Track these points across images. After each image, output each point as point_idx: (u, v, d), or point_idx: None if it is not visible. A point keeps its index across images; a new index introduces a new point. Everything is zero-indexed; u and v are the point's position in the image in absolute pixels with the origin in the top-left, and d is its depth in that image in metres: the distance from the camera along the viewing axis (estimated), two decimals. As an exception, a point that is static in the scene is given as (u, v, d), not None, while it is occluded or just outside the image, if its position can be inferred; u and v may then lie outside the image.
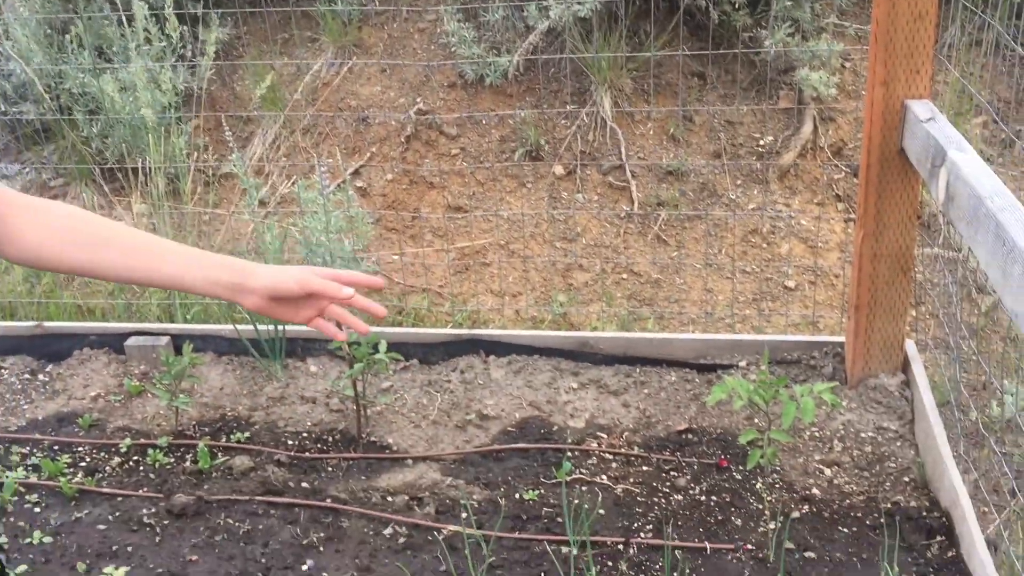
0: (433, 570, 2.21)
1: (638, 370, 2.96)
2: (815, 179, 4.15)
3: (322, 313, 1.38)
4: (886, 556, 2.15)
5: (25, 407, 2.96)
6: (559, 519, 2.34)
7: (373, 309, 1.39)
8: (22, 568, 2.25)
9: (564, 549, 2.25)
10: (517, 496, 2.45)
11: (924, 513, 2.28)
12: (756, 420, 2.70)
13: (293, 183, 4.29)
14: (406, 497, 2.46)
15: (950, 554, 2.15)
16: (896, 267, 2.63)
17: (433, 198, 4.21)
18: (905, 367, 2.75)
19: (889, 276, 2.64)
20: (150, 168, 3.97)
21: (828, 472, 2.47)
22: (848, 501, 2.36)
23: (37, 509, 2.49)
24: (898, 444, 2.55)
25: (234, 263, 1.33)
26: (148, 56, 4.15)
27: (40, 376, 3.09)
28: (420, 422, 2.79)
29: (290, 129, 4.46)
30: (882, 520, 2.27)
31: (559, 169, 4.24)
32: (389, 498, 2.47)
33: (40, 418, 2.90)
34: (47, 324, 3.22)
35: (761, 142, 4.23)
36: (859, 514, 2.31)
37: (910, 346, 2.77)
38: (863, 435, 2.59)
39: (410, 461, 2.63)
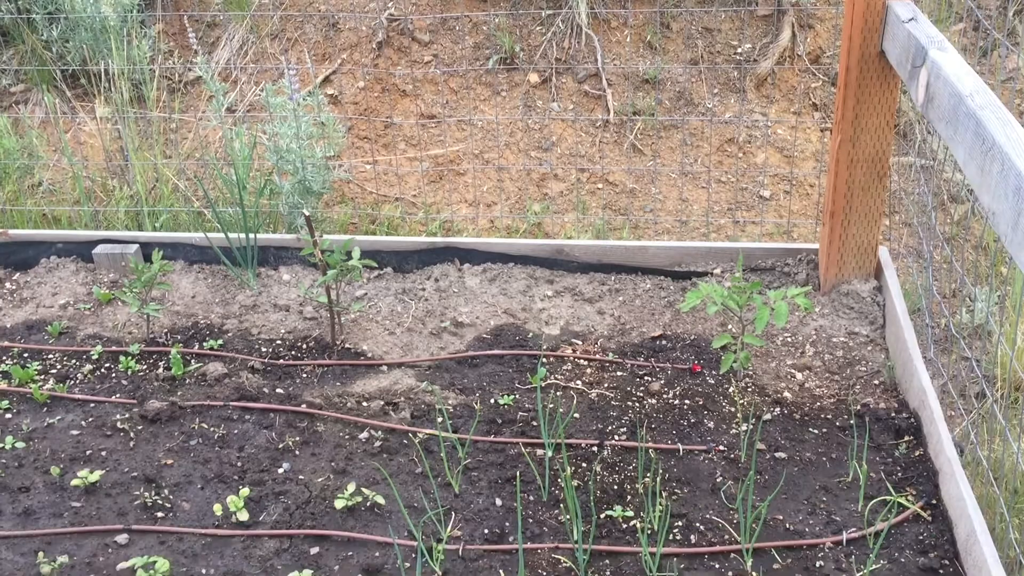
0: (409, 472, 2.23)
1: (613, 278, 2.96)
2: (792, 87, 4.11)
3: None
4: (855, 455, 2.19)
5: (-8, 315, 2.92)
6: (534, 423, 2.36)
7: None
8: (-5, 473, 2.24)
9: (539, 452, 2.27)
10: (492, 401, 2.46)
11: (893, 414, 2.32)
12: (730, 326, 2.71)
13: (261, 89, 4.18)
14: (381, 402, 2.46)
15: (917, 453, 2.20)
16: (872, 173, 2.62)
17: (406, 106, 4.13)
18: (878, 274, 2.76)
19: (865, 182, 2.63)
20: (113, 73, 3.86)
21: (800, 376, 2.50)
22: (819, 404, 2.39)
23: (8, 415, 2.47)
24: (869, 348, 2.58)
25: None
26: (107, -45, 3.99)
27: (7, 284, 3.04)
28: (394, 329, 2.78)
29: (257, 34, 4.33)
30: (852, 421, 2.31)
31: (534, 77, 4.17)
32: (364, 403, 2.47)
33: (8, 326, 2.86)
34: (12, 232, 3.16)
35: (739, 49, 4.17)
36: (829, 416, 2.35)
37: (883, 253, 2.78)
38: (835, 340, 2.62)
39: (385, 368, 2.63)
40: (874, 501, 2.07)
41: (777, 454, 2.23)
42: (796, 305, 2.65)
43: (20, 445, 2.35)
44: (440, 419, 2.38)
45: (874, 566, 1.90)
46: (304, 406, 2.45)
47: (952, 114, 1.85)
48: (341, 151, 3.76)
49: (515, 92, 4.15)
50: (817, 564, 1.92)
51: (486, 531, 2.05)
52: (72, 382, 2.59)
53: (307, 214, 2.58)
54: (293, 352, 2.71)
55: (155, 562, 1.95)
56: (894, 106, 2.55)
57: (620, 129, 4.03)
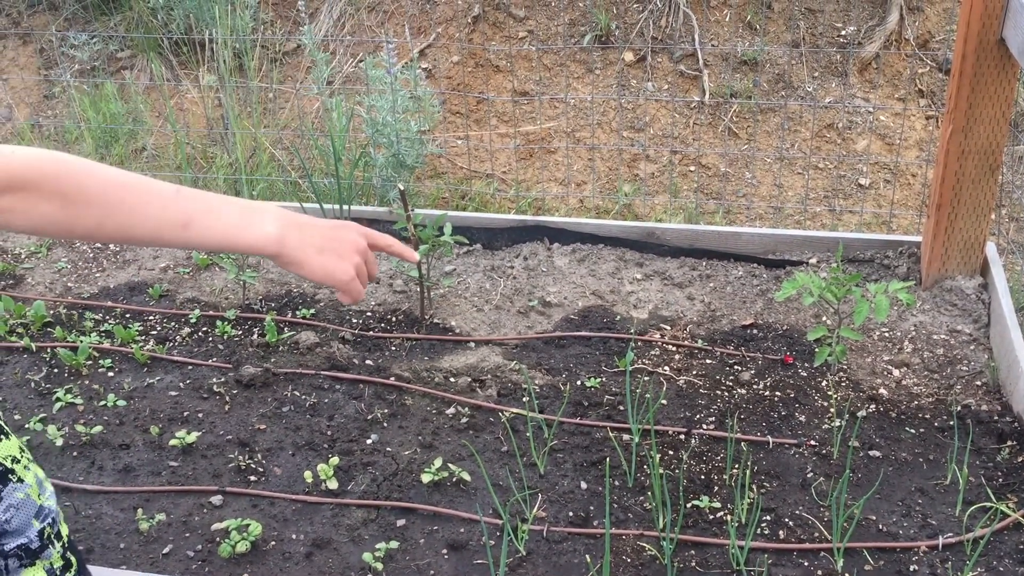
0: (495, 450, 2.24)
1: (704, 263, 2.91)
2: (898, 73, 3.97)
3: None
4: (954, 458, 2.13)
5: (97, 275, 3.02)
6: (620, 407, 2.35)
7: (408, 254, 1.39)
8: (98, 428, 2.32)
9: (625, 437, 2.26)
10: (579, 383, 2.45)
11: (995, 417, 2.24)
12: (824, 319, 2.65)
13: (359, 62, 4.22)
14: (468, 379, 2.47)
15: (1021, 459, 2.12)
16: (984, 165, 2.52)
17: (499, 82, 4.12)
18: (984, 270, 2.66)
19: (976, 174, 2.53)
20: (216, 42, 3.93)
21: (897, 373, 2.43)
22: (916, 402, 2.33)
23: (111, 374, 2.56)
24: (971, 348, 2.49)
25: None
26: (214, -75, 4.06)
27: (111, 246, 3.14)
28: (483, 306, 2.79)
29: (355, 6, 4.36)
30: (951, 423, 2.24)
31: (629, 55, 4.11)
32: (452, 379, 2.49)
33: (112, 286, 2.96)
34: (117, 195, 3.25)
35: (843, 32, 4.05)
36: (927, 416, 2.28)
37: (990, 248, 2.68)
38: (935, 337, 2.54)
39: (472, 344, 2.64)
40: (973, 507, 2.00)
41: (871, 452, 2.18)
42: (897, 300, 2.58)
43: (121, 403, 2.43)
44: (526, 399, 2.38)
45: (971, 573, 1.84)
46: (393, 379, 2.48)
47: (1080, 109, 1.76)
48: (434, 126, 3.78)
49: (609, 70, 4.10)
50: (911, 568, 1.87)
51: (571, 514, 2.05)
52: (171, 344, 2.67)
53: (402, 188, 2.60)
54: (383, 324, 2.74)
55: (248, 524, 2.00)
56: (1012, 97, 2.45)
57: (715, 111, 3.96)
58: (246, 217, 1.17)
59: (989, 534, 1.92)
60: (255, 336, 2.69)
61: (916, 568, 1.88)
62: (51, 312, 2.82)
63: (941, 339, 2.53)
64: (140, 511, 2.07)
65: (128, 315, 2.82)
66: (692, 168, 3.88)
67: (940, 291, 2.66)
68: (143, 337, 2.71)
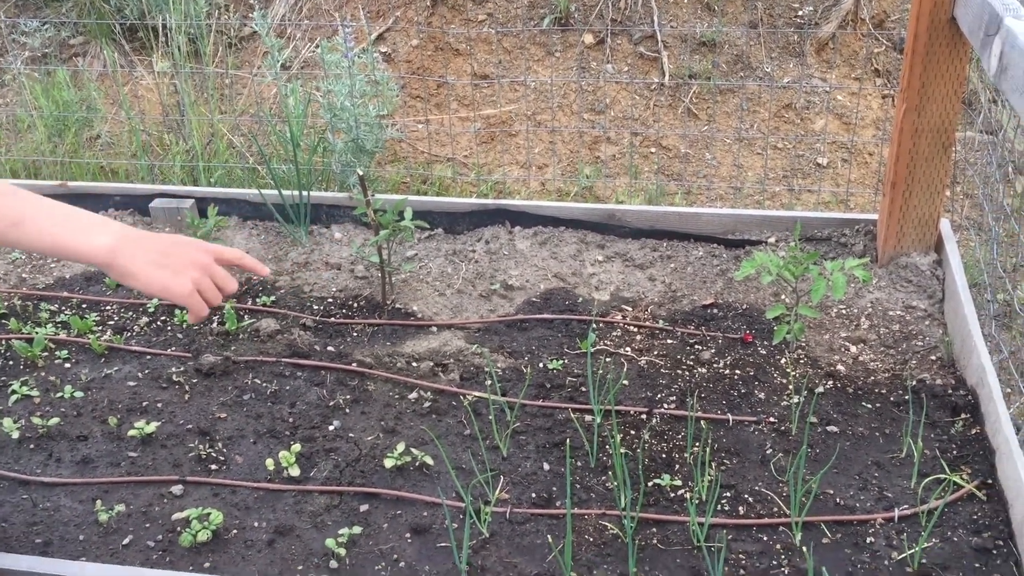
0: (458, 434, 2.24)
1: (665, 244, 2.93)
2: (854, 52, 4.01)
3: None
4: (909, 431, 2.16)
5: (52, 265, 2.98)
6: (583, 388, 2.36)
7: (258, 269, 1.41)
8: (55, 420, 2.29)
9: (587, 418, 2.27)
10: (541, 365, 2.46)
11: (950, 391, 2.28)
12: (783, 297, 2.68)
13: (316, 46, 4.18)
14: (431, 363, 2.47)
15: (974, 431, 2.16)
16: (937, 143, 2.56)
17: (459, 65, 4.11)
18: (938, 247, 2.70)
19: (929, 152, 2.56)
20: (170, 27, 3.88)
21: (854, 349, 2.47)
22: (873, 378, 2.36)
23: (68, 365, 2.53)
24: (926, 323, 2.53)
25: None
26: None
27: (66, 236, 3.09)
28: (445, 291, 2.79)
29: (312, -10, 4.32)
30: (907, 397, 2.27)
31: (588, 38, 4.11)
32: (414, 364, 2.48)
33: (67, 277, 2.91)
34: (71, 184, 3.21)
35: (800, 12, 4.07)
36: (884, 390, 2.31)
37: (944, 225, 2.72)
38: (891, 313, 2.57)
39: (435, 329, 2.64)
40: (928, 479, 2.04)
41: (829, 428, 2.21)
42: (853, 277, 2.61)
43: (79, 395, 2.40)
44: (489, 382, 2.39)
45: (926, 544, 1.88)
46: (355, 365, 2.47)
47: (1027, 85, 1.79)
48: (394, 110, 3.76)
49: (569, 53, 4.10)
50: (867, 540, 1.91)
51: (533, 495, 2.06)
52: (129, 334, 2.64)
53: (361, 173, 2.59)
54: (344, 310, 2.73)
55: (209, 514, 1.99)
56: (963, 75, 2.48)
57: (675, 93, 3.97)
58: (81, 226, 1.18)
59: (943, 505, 1.96)
60: (214, 325, 2.67)
61: (872, 540, 1.91)
62: (5, 303, 2.78)
63: (897, 315, 2.57)
64: (99, 502, 2.05)
65: (84, 305, 2.79)
66: (653, 150, 3.89)
67: (896, 268, 2.70)
68: (100, 327, 2.68)
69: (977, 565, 1.84)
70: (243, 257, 1.37)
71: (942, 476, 2.04)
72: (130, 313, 2.74)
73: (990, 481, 2.02)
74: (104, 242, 1.19)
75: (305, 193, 3.02)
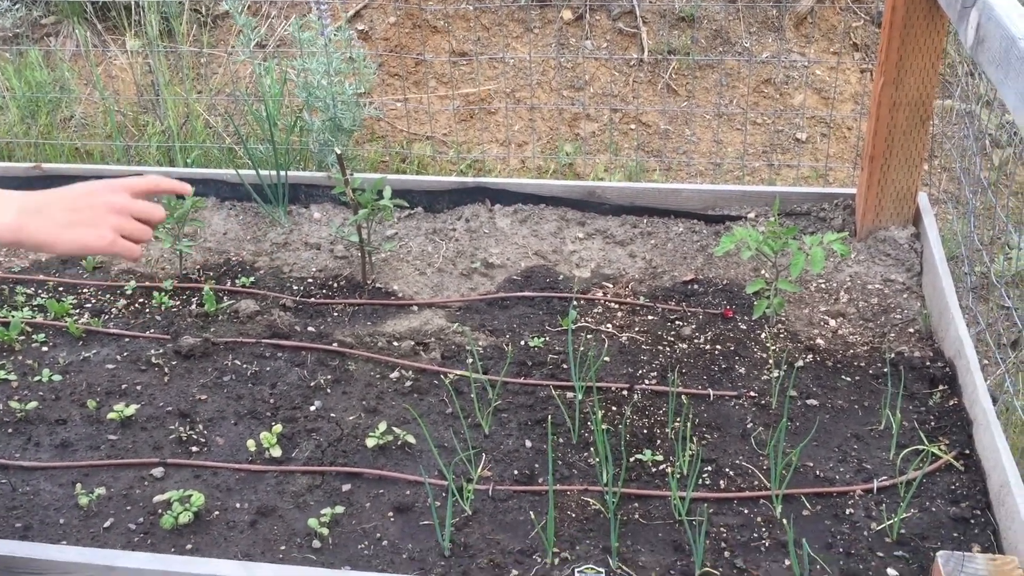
0: (439, 412, 2.24)
1: (645, 220, 2.93)
2: (832, 27, 4.01)
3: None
4: (888, 403, 2.18)
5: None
6: (564, 365, 2.36)
7: (178, 187, 1.38)
8: (33, 404, 2.28)
9: (569, 394, 2.27)
10: (522, 343, 2.46)
11: (928, 363, 2.30)
12: (763, 272, 2.68)
13: (292, 24, 4.14)
14: (412, 342, 2.47)
15: (952, 402, 2.18)
16: (915, 117, 2.56)
17: (437, 43, 4.08)
18: (916, 220, 2.72)
19: (907, 126, 2.57)
20: (143, 6, 3.82)
21: (833, 323, 2.48)
22: (852, 351, 2.37)
23: (45, 348, 2.51)
24: (904, 296, 2.54)
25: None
26: None
27: (41, 219, 3.06)
28: (425, 269, 2.78)
29: (288, -33, 4.27)
30: (885, 369, 2.29)
31: (567, 14, 4.09)
32: (395, 343, 2.48)
33: (44, 260, 2.88)
34: (45, 166, 3.17)
35: (779, -13, 4.06)
36: (863, 363, 2.33)
37: (922, 199, 2.73)
38: (870, 287, 2.58)
39: (415, 308, 2.63)
40: (907, 450, 2.06)
41: (809, 401, 2.22)
42: (832, 251, 2.62)
43: (57, 378, 2.38)
44: (470, 360, 2.39)
45: (905, 515, 1.90)
46: (335, 345, 2.46)
47: (1004, 58, 1.79)
48: (372, 88, 3.73)
49: (548, 29, 4.08)
50: (847, 511, 1.92)
51: (516, 472, 2.06)
52: (107, 317, 2.62)
53: (339, 152, 2.57)
54: (324, 290, 2.72)
55: (190, 495, 1.98)
56: (941, 48, 2.48)
57: (654, 69, 3.96)
58: None
59: (921, 476, 1.98)
60: (193, 306, 2.65)
61: (852, 511, 1.92)
62: (-20, 288, 2.75)
63: (875, 288, 2.58)
64: (79, 486, 2.04)
65: (61, 288, 2.76)
66: (632, 126, 3.89)
67: (874, 242, 2.71)
68: (77, 310, 2.65)
69: (955, 534, 1.86)
70: (159, 182, 1.33)
71: (920, 447, 2.06)
72: (108, 296, 2.71)
73: (967, 452, 2.04)
74: (6, 220, 1.15)
75: (283, 173, 3.00)
